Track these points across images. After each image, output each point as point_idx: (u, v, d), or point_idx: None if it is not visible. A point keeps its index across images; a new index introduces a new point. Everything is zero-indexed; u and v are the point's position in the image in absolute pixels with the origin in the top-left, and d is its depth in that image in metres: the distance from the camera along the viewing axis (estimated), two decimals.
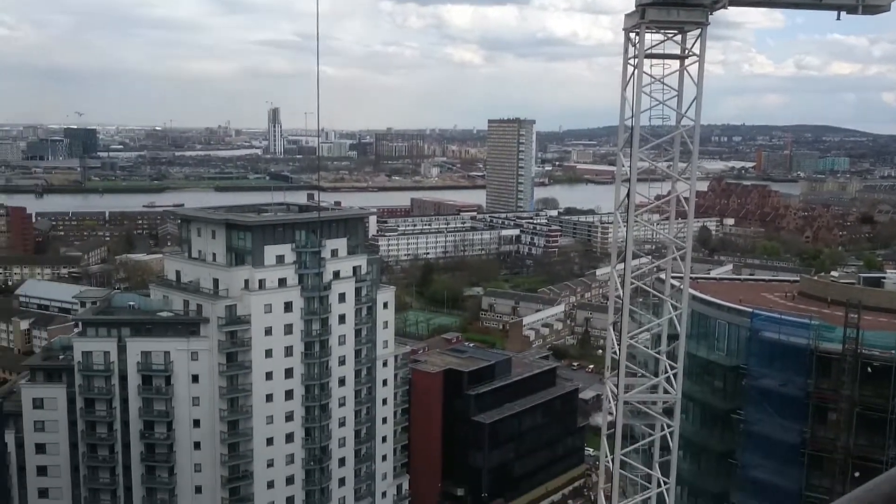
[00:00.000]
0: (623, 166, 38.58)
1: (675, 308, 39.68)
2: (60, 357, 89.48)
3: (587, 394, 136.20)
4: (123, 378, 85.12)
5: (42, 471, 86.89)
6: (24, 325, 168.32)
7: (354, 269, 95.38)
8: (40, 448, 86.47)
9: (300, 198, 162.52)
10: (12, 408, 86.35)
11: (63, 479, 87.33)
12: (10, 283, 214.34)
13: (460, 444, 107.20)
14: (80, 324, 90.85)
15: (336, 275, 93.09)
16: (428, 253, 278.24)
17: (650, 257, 42.73)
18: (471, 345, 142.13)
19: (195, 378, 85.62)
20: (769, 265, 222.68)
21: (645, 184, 38.69)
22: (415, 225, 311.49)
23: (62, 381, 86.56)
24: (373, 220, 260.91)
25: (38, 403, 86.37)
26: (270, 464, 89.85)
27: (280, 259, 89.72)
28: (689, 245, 39.56)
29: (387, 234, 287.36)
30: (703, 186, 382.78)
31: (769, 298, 65.94)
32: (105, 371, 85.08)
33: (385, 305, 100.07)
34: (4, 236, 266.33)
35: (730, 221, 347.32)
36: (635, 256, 39.97)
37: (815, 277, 78.99)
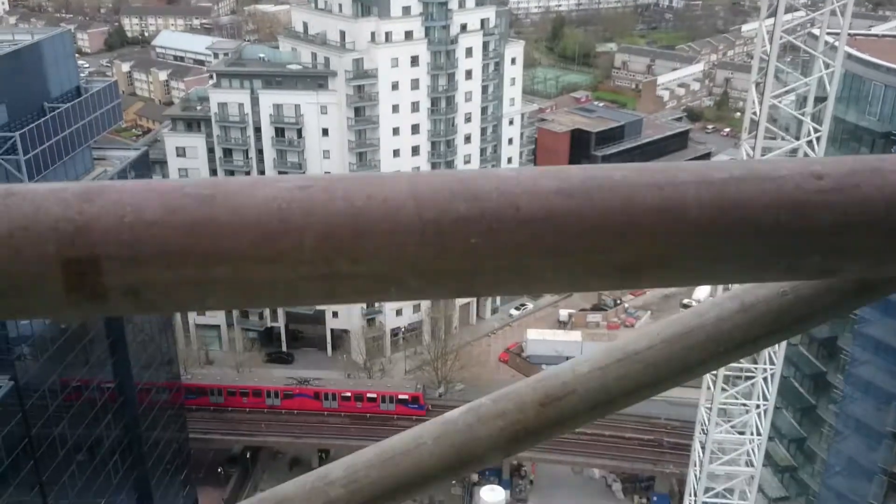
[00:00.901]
0: None
1: (827, 66, 36.49)
2: (198, 108, 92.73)
3: (720, 158, 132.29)
4: (258, 129, 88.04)
5: None
6: (163, 76, 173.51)
7: (482, 21, 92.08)
8: None
9: None
10: (157, 155, 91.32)
11: None
12: (146, 34, 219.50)
13: None
14: (214, 75, 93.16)
15: (463, 28, 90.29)
16: (560, 5, 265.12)
17: (804, 10, 38.88)
18: (601, 104, 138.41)
19: (325, 132, 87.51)
20: None
21: None
22: None
23: (201, 131, 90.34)
24: None
25: (180, 152, 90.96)
26: None
27: (406, 10, 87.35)
28: None
29: None
30: None
31: None
32: (240, 122, 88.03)
33: (513, 61, 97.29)
34: None
35: None
36: (788, 9, 36.41)
37: None
